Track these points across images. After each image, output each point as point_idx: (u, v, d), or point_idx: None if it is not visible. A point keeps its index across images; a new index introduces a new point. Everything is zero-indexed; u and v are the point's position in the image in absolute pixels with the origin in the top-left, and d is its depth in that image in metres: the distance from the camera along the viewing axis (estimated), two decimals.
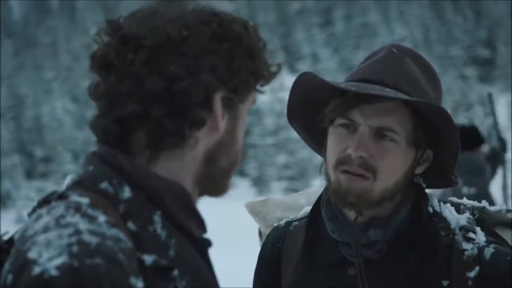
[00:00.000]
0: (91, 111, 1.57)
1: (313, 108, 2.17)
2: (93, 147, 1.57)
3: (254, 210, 2.48)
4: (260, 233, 2.48)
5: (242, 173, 43.24)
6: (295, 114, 2.23)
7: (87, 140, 43.55)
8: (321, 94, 2.13)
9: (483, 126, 49.07)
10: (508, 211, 2.24)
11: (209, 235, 1.60)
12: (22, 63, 55.50)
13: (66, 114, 49.41)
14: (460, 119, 49.57)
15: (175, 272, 1.47)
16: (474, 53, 59.18)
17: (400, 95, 2.07)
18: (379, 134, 2.09)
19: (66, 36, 57.85)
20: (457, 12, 61.60)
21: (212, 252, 1.60)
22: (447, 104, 48.51)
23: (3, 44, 56.36)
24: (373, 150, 2.08)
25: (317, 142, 2.22)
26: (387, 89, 2.08)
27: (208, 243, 1.59)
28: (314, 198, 2.27)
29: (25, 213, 1.52)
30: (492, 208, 2.24)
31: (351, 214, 2.13)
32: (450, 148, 2.13)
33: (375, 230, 2.12)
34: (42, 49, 57.49)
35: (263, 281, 2.32)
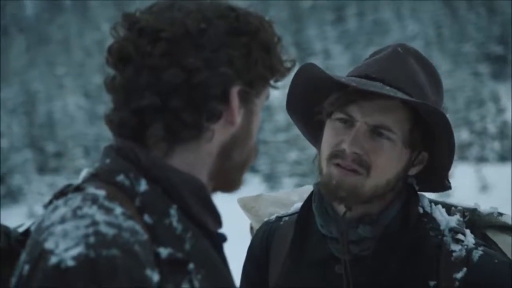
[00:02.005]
0: (102, 106, 1.58)
1: (313, 100, 2.17)
2: (104, 143, 1.58)
3: (246, 206, 2.47)
4: (251, 228, 2.47)
5: (254, 170, 43.25)
6: (295, 104, 2.22)
7: (99, 136, 43.65)
8: (322, 86, 2.13)
9: (496, 123, 48.96)
10: (500, 214, 2.24)
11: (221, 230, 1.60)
12: (34, 59, 55.64)
13: (78, 109, 49.53)
14: (472, 116, 49.47)
15: (191, 266, 1.47)
16: (487, 50, 59.01)
17: (399, 94, 2.06)
18: (376, 131, 2.08)
19: (78, 32, 57.95)
20: (470, 9, 61.44)
21: (225, 248, 1.60)
22: (459, 101, 48.44)
23: (15, 40, 56.49)
24: (368, 146, 2.07)
25: (314, 134, 2.22)
26: (388, 87, 2.08)
27: (223, 238, 1.59)
28: (306, 196, 2.25)
29: (36, 208, 1.53)
30: (483, 211, 2.24)
31: (341, 209, 2.13)
32: (446, 152, 2.12)
33: (364, 227, 2.11)
34: (54, 45, 57.61)
35: (251, 276, 2.32)
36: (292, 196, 2.46)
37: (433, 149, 2.14)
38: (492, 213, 2.24)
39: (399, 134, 2.09)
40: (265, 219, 2.37)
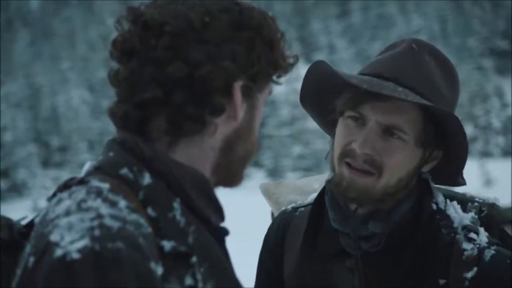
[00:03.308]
0: (107, 101, 1.58)
1: (326, 97, 2.15)
2: (109, 137, 1.58)
3: (267, 192, 2.47)
4: (272, 215, 2.47)
5: (257, 164, 43.25)
6: (308, 101, 2.21)
7: (103, 130, 43.70)
8: (334, 84, 2.11)
9: (500, 117, 48.89)
10: None
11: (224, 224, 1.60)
12: (38, 53, 55.66)
13: (82, 103, 49.56)
14: (477, 111, 49.40)
15: (194, 259, 1.48)
16: (492, 45, 58.93)
17: (411, 96, 2.04)
18: (388, 131, 2.06)
19: (83, 26, 57.94)
20: (474, 3, 61.31)
21: (227, 243, 1.61)
22: (464, 95, 48.34)
23: (20, 34, 56.48)
24: (379, 147, 2.06)
25: (329, 127, 2.20)
26: (400, 89, 2.05)
27: (225, 232, 1.59)
28: None
29: (41, 202, 1.53)
30: (503, 205, 2.21)
31: (352, 205, 2.11)
32: (459, 152, 2.11)
33: (375, 223, 2.09)
34: (58, 39, 57.60)
35: (267, 266, 2.32)
36: (313, 183, 2.44)
37: (447, 146, 2.11)
38: (511, 208, 2.21)
39: (412, 134, 2.07)
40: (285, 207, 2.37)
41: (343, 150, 2.08)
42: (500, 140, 48.28)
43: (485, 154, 45.70)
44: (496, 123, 48.91)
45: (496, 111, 49.39)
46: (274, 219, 2.35)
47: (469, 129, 47.85)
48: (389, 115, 2.06)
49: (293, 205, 2.34)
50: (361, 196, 2.07)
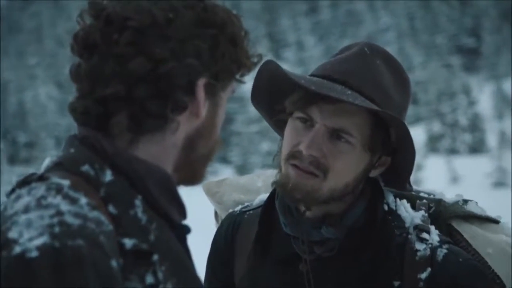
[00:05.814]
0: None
1: (276, 97, 2.14)
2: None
3: (210, 191, 2.43)
4: (216, 214, 2.45)
5: (226, 161, 43.24)
6: (259, 100, 2.19)
7: (71, 127, 43.32)
8: (284, 85, 2.09)
9: (467, 115, 49.27)
10: (465, 201, 2.22)
11: (188, 222, 1.59)
12: (5, 48, 55.26)
13: (50, 100, 49.31)
14: (444, 108, 49.70)
15: (155, 257, 1.47)
16: (459, 42, 59.42)
17: (359, 100, 2.03)
18: (335, 135, 2.05)
19: (50, 22, 57.64)
20: (442, 1, 61.76)
21: (190, 240, 1.60)
22: (431, 93, 48.69)
23: None
24: (326, 149, 2.05)
25: (279, 129, 2.19)
26: (349, 91, 2.04)
27: (187, 230, 1.58)
28: (271, 181, 2.19)
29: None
30: (449, 200, 2.22)
31: (302, 208, 2.10)
32: (406, 158, 2.10)
33: (327, 228, 2.09)
34: (26, 35, 57.25)
35: (216, 269, 2.30)
36: (256, 181, 2.41)
37: (395, 153, 2.11)
38: (457, 202, 2.21)
39: (359, 138, 2.06)
40: (229, 207, 2.35)
41: (290, 152, 2.07)
42: (467, 137, 48.64)
43: (452, 151, 46.00)
44: (463, 120, 49.25)
45: (463, 109, 49.73)
46: (222, 222, 2.33)
47: (436, 126, 48.15)
48: (336, 118, 2.05)
49: (241, 207, 2.32)
50: (306, 197, 2.06)
